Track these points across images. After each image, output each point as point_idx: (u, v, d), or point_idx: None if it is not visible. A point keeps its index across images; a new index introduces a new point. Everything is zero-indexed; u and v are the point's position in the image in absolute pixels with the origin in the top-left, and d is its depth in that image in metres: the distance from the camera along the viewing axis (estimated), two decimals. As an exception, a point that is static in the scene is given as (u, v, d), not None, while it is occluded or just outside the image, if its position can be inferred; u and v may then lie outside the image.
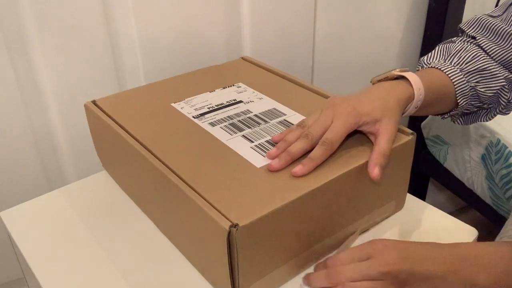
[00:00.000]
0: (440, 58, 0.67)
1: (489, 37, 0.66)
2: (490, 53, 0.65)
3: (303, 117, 0.61)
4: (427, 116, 1.18)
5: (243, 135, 0.58)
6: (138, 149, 0.55)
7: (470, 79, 0.64)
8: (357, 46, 1.07)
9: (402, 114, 0.59)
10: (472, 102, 0.66)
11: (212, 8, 0.84)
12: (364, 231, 0.58)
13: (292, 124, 0.59)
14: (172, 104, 0.65)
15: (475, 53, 0.65)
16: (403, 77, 0.59)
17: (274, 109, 0.63)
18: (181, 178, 0.50)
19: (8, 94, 0.73)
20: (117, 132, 0.59)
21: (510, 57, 0.65)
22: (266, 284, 0.49)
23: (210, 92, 0.68)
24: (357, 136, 0.56)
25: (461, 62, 0.65)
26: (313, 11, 0.96)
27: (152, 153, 0.54)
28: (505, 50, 0.65)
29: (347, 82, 1.09)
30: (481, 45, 0.66)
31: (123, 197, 0.65)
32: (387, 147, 0.52)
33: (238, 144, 0.56)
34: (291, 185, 0.49)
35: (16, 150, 0.78)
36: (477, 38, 0.67)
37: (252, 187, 0.49)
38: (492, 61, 0.65)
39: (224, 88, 0.69)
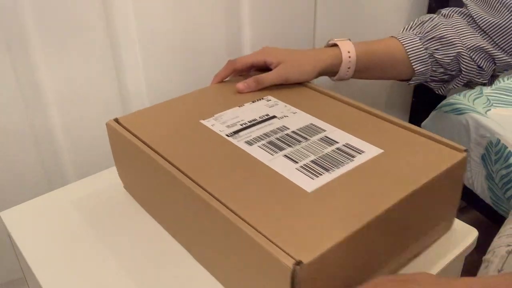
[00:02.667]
0: (407, 29, 0.76)
1: (480, 5, 0.74)
2: (476, 18, 0.72)
3: (344, 133, 0.57)
4: (427, 116, 1.18)
5: (285, 155, 0.53)
6: (175, 174, 0.50)
7: (429, 46, 0.72)
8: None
9: (333, 75, 0.72)
10: (435, 68, 0.74)
11: (212, 8, 0.84)
12: (416, 255, 0.55)
13: (335, 141, 0.56)
14: (201, 121, 0.60)
15: (436, 23, 0.74)
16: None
17: (312, 124, 0.59)
18: (227, 207, 0.46)
19: (8, 94, 0.73)
20: (147, 154, 0.54)
21: (494, 22, 0.71)
22: None
23: (239, 106, 0.64)
24: (408, 160, 0.52)
25: (422, 31, 0.74)
26: (313, 11, 0.96)
27: (190, 178, 0.49)
28: (490, 15, 0.72)
29: (347, 82, 1.09)
30: (470, 11, 0.73)
31: (124, 197, 0.65)
32: (267, 80, 0.67)
33: (281, 165, 0.51)
34: (349, 213, 0.45)
35: (16, 150, 0.78)
36: (468, 5, 0.74)
37: (307, 215, 0.45)
38: (452, 31, 0.73)
39: (253, 102, 0.65)
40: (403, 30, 0.77)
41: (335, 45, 0.72)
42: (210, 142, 0.56)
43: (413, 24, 0.76)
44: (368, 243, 0.46)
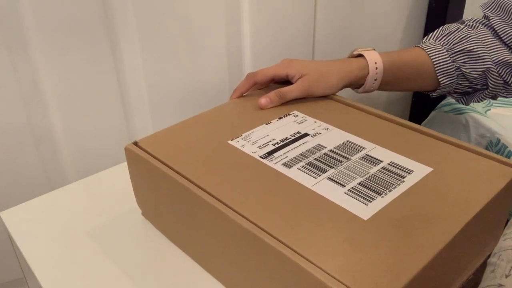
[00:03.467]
0: (433, 38, 0.72)
1: (502, 17, 0.69)
2: (499, 32, 0.68)
3: (385, 150, 0.54)
4: (427, 116, 1.18)
5: (328, 178, 0.49)
6: (215, 205, 0.46)
7: (456, 59, 0.69)
8: (357, 46, 1.07)
9: (358, 87, 0.69)
10: (461, 82, 0.71)
11: (211, 7, 0.84)
12: (468, 278, 0.52)
13: (378, 160, 0.52)
14: (230, 142, 0.56)
15: (464, 35, 0.69)
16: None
17: (348, 141, 0.55)
18: (281, 242, 0.41)
19: (8, 94, 0.73)
20: (177, 181, 0.49)
21: None
22: None
23: (266, 124, 0.60)
24: (461, 179, 0.49)
25: (449, 43, 0.69)
26: (313, 10, 0.96)
27: (232, 209, 0.45)
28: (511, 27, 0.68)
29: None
30: (493, 24, 0.69)
31: (124, 197, 0.65)
32: (291, 94, 0.64)
33: (328, 190, 0.47)
34: (416, 244, 0.41)
35: (16, 150, 0.78)
36: (490, 17, 0.70)
37: (372, 249, 0.40)
38: (481, 44, 0.68)
39: (280, 118, 0.61)
40: (427, 39, 0.73)
41: (361, 55, 0.69)
42: (244, 165, 0.51)
43: (438, 33, 0.72)
44: (432, 274, 0.42)
